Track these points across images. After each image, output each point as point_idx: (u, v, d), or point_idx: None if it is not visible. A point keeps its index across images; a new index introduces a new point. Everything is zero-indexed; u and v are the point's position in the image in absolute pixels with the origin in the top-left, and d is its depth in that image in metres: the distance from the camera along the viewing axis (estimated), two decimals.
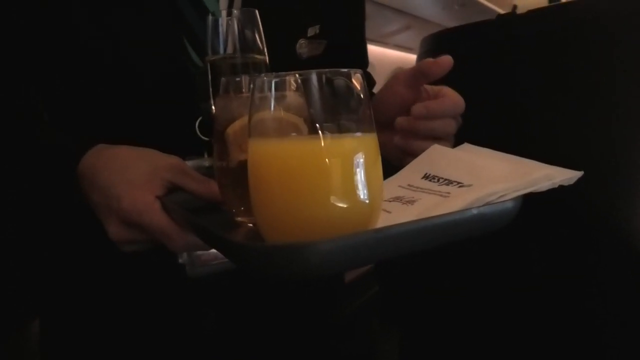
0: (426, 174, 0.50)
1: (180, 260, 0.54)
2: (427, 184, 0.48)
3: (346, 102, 0.34)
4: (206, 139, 0.59)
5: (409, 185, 0.49)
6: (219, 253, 0.54)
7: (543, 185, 0.39)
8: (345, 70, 0.33)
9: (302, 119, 0.36)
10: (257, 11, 0.54)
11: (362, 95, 0.34)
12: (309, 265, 0.30)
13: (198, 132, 0.59)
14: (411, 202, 0.44)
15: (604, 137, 0.56)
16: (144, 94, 0.61)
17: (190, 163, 0.54)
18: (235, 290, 0.69)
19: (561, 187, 0.38)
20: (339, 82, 0.35)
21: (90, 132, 0.57)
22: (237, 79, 0.45)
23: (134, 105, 0.61)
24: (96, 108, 0.61)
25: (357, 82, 0.35)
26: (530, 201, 0.39)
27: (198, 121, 0.59)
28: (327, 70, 0.33)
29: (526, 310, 0.62)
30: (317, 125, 0.34)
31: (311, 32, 0.67)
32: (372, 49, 3.23)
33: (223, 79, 0.45)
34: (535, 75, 0.60)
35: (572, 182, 0.40)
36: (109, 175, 0.50)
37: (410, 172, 0.52)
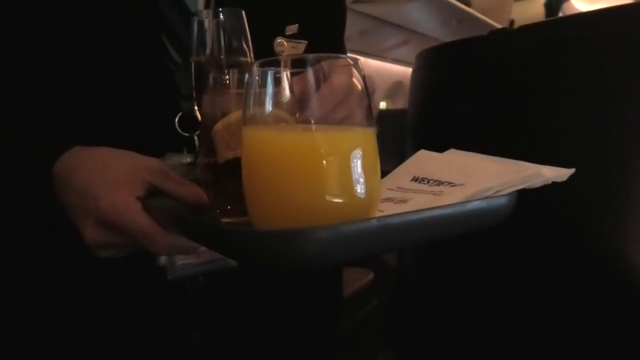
0: (415, 176, 0.49)
1: (160, 262, 0.52)
2: (417, 186, 0.47)
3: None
4: (186, 134, 0.58)
5: (398, 187, 0.49)
6: (200, 250, 0.52)
7: (536, 182, 0.39)
8: (343, 57, 0.33)
9: (291, 116, 0.35)
10: (243, 12, 0.53)
11: (359, 87, 0.34)
12: (306, 253, 0.28)
13: (178, 128, 0.58)
14: (404, 201, 0.43)
15: (597, 153, 0.56)
16: (123, 90, 0.59)
17: (171, 159, 0.53)
18: (230, 304, 0.67)
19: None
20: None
21: (68, 128, 0.55)
22: (226, 76, 0.44)
23: (112, 101, 0.59)
24: (73, 103, 0.59)
25: (356, 72, 0.34)
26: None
27: (178, 117, 0.58)
28: (323, 55, 0.32)
29: (527, 328, 0.61)
30: (312, 117, 0.33)
31: (289, 31, 0.67)
32: (371, 63, 3.27)
33: (211, 75, 0.44)
34: (526, 90, 0.61)
35: (564, 179, 0.40)
36: (86, 175, 0.48)
37: (398, 176, 0.51)
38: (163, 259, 0.58)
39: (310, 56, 0.32)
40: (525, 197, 0.40)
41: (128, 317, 0.63)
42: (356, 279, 1.91)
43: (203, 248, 0.57)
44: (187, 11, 0.61)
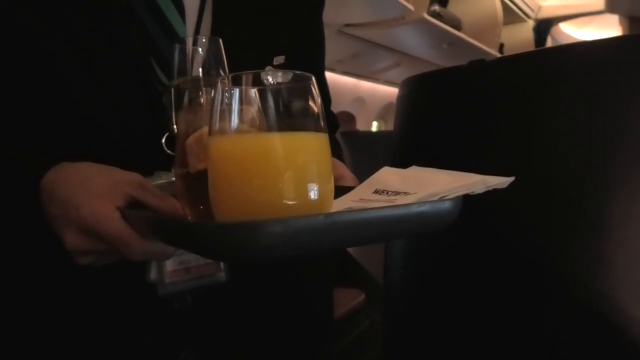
0: (376, 189, 0.54)
1: (150, 277, 0.54)
2: (377, 197, 0.51)
3: (298, 103, 0.38)
4: (173, 153, 0.61)
5: (360, 199, 0.52)
6: (189, 266, 0.55)
7: (478, 189, 0.43)
8: (299, 72, 0.37)
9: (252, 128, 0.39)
10: (220, 40, 0.58)
11: (314, 98, 0.38)
12: (259, 244, 0.32)
13: (165, 147, 0.61)
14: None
15: (573, 180, 0.56)
16: (112, 109, 0.63)
17: (159, 177, 0.56)
18: (218, 327, 0.69)
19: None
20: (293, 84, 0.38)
21: (58, 148, 0.58)
22: (199, 94, 0.48)
23: (102, 120, 0.62)
24: (64, 124, 0.62)
25: (311, 86, 0.39)
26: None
27: (165, 137, 0.61)
28: (281, 70, 0.36)
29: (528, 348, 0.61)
30: (270, 122, 0.37)
31: (277, 61, 0.71)
32: (364, 85, 3.34)
33: (187, 95, 0.48)
34: (506, 120, 0.62)
35: (504, 185, 0.44)
36: (69, 187, 0.51)
37: (362, 190, 0.55)
38: (153, 275, 0.60)
39: (269, 70, 0.37)
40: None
41: (114, 336, 0.65)
42: (347, 300, 1.91)
43: (193, 264, 0.60)
44: (174, 33, 0.65)
